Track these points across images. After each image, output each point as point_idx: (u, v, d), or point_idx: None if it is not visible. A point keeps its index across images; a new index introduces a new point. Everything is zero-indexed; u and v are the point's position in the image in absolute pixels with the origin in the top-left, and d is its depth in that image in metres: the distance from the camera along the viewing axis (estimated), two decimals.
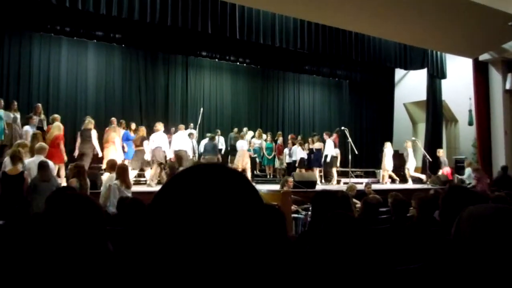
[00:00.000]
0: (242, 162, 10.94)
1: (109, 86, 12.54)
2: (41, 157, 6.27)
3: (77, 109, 11.71)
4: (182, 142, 9.85)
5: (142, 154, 9.46)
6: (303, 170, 11.42)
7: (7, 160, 6.18)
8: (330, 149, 11.74)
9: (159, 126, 9.72)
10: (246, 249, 0.61)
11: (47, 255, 1.26)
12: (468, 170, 11.52)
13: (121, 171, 6.01)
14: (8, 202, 5.41)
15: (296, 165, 11.76)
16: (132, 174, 9.24)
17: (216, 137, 11.47)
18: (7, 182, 5.63)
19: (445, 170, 12.35)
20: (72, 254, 1.25)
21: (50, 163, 6.12)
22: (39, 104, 9.60)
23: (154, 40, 11.16)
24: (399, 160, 14.63)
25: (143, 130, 9.87)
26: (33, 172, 5.82)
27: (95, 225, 1.29)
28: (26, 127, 8.58)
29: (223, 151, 12.04)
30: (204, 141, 11.46)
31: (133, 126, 10.66)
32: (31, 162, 6.19)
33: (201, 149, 11.22)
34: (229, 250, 0.60)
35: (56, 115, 8.94)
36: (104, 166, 8.10)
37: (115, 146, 9.10)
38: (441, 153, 12.74)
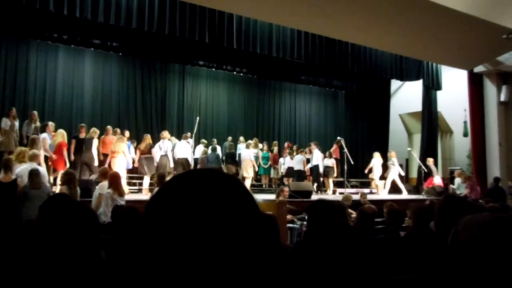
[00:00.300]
0: (247, 171, 11.11)
1: (106, 94, 12.53)
2: (34, 164, 6.23)
3: (72, 117, 11.69)
4: (184, 150, 10.19)
5: (152, 161, 9.75)
6: (289, 180, 11.48)
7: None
8: (318, 159, 11.73)
9: (166, 134, 10.11)
10: (241, 256, 0.60)
11: (40, 262, 1.25)
12: (457, 180, 11.57)
13: (113, 179, 5.93)
14: (0, 209, 5.36)
15: (283, 174, 11.87)
16: (146, 182, 9.35)
17: (218, 147, 11.53)
18: (0, 189, 5.59)
19: (435, 180, 12.39)
20: (65, 260, 1.24)
21: (42, 170, 6.09)
22: (35, 112, 9.59)
23: (151, 49, 11.18)
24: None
25: (149, 138, 10.10)
26: (25, 179, 5.78)
27: (89, 231, 1.27)
28: (43, 135, 8.61)
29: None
30: (199, 148, 11.47)
31: (127, 134, 10.62)
32: (23, 169, 6.14)
33: (196, 155, 11.20)
34: (224, 256, 0.59)
35: (50, 123, 8.93)
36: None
37: (124, 156, 9.16)
38: (431, 162, 12.79)
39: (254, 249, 0.62)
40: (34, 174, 5.56)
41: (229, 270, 0.59)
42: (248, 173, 11.13)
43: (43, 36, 10.01)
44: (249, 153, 11.38)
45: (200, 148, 11.64)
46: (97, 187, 6.06)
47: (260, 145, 12.89)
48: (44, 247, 1.27)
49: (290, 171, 11.82)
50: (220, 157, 11.42)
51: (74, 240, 1.24)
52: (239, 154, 11.96)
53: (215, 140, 12.45)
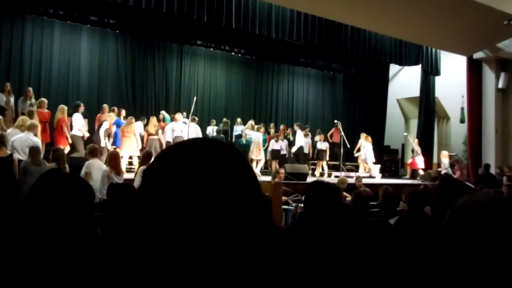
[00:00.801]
0: (258, 154, 11.31)
1: (102, 72, 12.41)
2: (30, 134, 6.35)
3: (68, 94, 11.58)
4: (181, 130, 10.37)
5: (157, 143, 9.95)
6: (274, 163, 11.51)
7: None
8: (300, 141, 11.75)
9: (178, 116, 10.48)
10: (237, 231, 0.59)
11: (34, 237, 1.24)
12: (444, 160, 11.90)
13: (112, 158, 5.98)
14: None
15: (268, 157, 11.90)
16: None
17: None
18: None
19: (417, 160, 12.50)
20: (59, 235, 1.23)
21: (38, 142, 6.27)
22: (30, 88, 9.46)
23: (148, 27, 11.05)
24: (390, 154, 14.75)
25: (155, 120, 10.34)
26: (18, 148, 5.80)
27: (84, 205, 1.26)
28: (76, 115, 8.79)
29: None
30: (209, 129, 11.55)
31: (123, 113, 10.57)
32: (18, 138, 6.22)
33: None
34: (220, 231, 0.58)
35: (43, 99, 8.83)
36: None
37: (136, 137, 9.46)
38: (416, 142, 12.98)
39: (252, 225, 0.61)
40: (35, 151, 5.63)
41: (225, 246, 0.58)
42: (256, 155, 11.32)
43: (39, 11, 9.85)
44: (258, 136, 11.53)
45: (210, 129, 11.84)
46: (85, 165, 6.01)
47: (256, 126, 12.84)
48: (38, 221, 1.26)
49: (276, 154, 11.76)
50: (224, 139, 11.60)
51: (69, 214, 1.23)
52: (237, 136, 12.02)
53: (214, 121, 12.41)
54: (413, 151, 12.93)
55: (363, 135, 13.08)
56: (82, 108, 9.18)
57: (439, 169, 12.18)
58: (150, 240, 0.60)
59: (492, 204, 0.90)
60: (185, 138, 9.83)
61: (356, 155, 13.19)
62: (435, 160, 14.04)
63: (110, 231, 2.45)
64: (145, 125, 10.68)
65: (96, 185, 5.60)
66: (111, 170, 5.80)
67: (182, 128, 10.31)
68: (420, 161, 12.58)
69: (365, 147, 12.69)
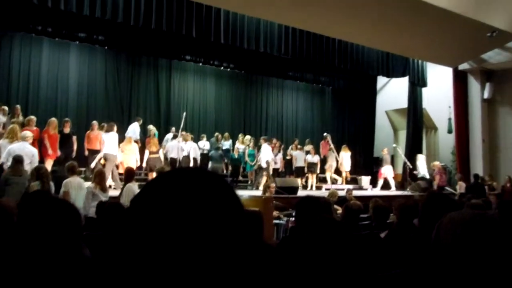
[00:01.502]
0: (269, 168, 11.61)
1: (91, 89, 12.36)
2: (26, 144, 6.70)
3: (57, 111, 11.48)
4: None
5: (157, 161, 10.09)
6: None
7: None
8: (267, 155, 11.61)
9: (187, 136, 10.95)
10: (224, 252, 0.61)
11: (21, 262, 1.23)
12: (421, 161, 12.45)
13: (97, 175, 6.02)
14: None
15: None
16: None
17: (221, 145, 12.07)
18: None
19: (383, 169, 12.78)
20: (46, 259, 1.22)
21: (34, 152, 6.61)
22: (18, 106, 9.40)
23: (138, 43, 11.08)
24: (380, 166, 14.85)
25: (156, 139, 10.59)
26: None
27: (70, 229, 1.25)
28: (111, 134, 9.22)
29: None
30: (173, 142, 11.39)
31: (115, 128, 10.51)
32: (15, 147, 6.45)
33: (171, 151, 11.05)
34: (206, 252, 0.59)
35: (31, 117, 8.76)
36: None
37: (135, 155, 9.72)
38: (385, 151, 13.27)
39: (236, 246, 0.62)
40: (17, 161, 5.69)
41: (212, 267, 0.60)
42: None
43: (27, 28, 9.84)
44: (268, 150, 11.80)
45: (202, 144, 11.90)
46: (63, 184, 5.94)
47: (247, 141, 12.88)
48: (24, 246, 1.24)
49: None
50: (223, 156, 11.94)
51: (55, 238, 1.22)
52: (224, 150, 12.07)
53: (205, 136, 12.39)
54: (383, 161, 13.23)
55: (344, 146, 13.43)
56: (114, 128, 9.51)
57: (414, 172, 12.40)
58: (138, 264, 0.61)
59: (474, 222, 0.92)
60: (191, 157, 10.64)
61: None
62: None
63: (100, 251, 2.43)
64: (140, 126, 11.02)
65: (76, 203, 5.54)
66: (96, 186, 5.82)
67: (191, 147, 10.78)
68: (388, 171, 12.91)
69: (344, 158, 12.98)
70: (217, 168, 11.36)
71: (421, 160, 12.70)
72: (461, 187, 11.44)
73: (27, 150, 6.51)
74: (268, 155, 11.60)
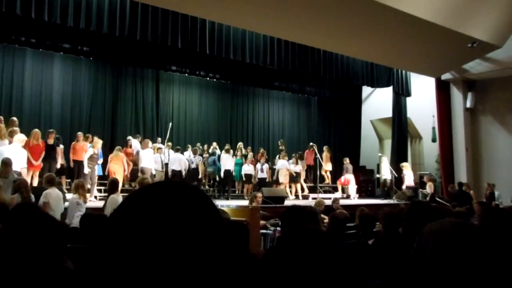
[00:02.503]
0: (285, 179, 11.97)
1: (75, 100, 12.25)
2: (18, 145, 7.40)
3: (41, 123, 11.34)
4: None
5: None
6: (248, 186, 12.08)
7: None
8: (227, 164, 11.85)
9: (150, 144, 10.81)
10: (205, 265, 0.61)
11: (3, 274, 1.21)
12: (384, 163, 12.93)
13: (80, 186, 6.16)
14: None
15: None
16: None
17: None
18: None
19: (344, 178, 13.15)
20: (28, 272, 1.20)
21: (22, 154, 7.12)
22: (1, 117, 9.25)
23: (123, 54, 11.02)
24: (366, 175, 14.98)
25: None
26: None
27: (52, 242, 1.24)
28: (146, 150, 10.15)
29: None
30: (174, 154, 11.40)
31: (100, 142, 10.39)
32: (8, 148, 7.07)
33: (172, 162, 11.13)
34: (186, 265, 0.60)
35: (15, 128, 8.63)
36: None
37: (123, 164, 9.98)
38: (347, 160, 13.56)
39: (217, 257, 0.63)
40: (5, 164, 5.98)
41: (192, 277, 0.60)
42: (284, 180, 11.99)
43: (10, 39, 9.70)
44: (284, 163, 12.19)
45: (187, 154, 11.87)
46: (42, 194, 5.92)
47: (231, 151, 12.88)
48: (7, 259, 1.22)
49: (248, 178, 12.19)
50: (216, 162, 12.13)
51: (37, 252, 1.20)
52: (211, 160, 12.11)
53: (190, 146, 12.36)
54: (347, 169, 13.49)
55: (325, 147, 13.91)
56: (150, 144, 10.28)
57: (377, 175, 13.23)
58: (119, 276, 0.61)
59: (454, 231, 0.93)
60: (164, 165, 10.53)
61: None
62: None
63: (84, 263, 2.39)
64: (140, 142, 11.19)
65: (56, 214, 5.63)
66: (79, 197, 6.00)
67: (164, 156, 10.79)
68: (345, 179, 13.26)
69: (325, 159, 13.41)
70: (212, 174, 11.81)
71: (406, 167, 12.88)
72: (430, 187, 11.88)
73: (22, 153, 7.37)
74: (228, 165, 11.76)
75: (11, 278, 1.20)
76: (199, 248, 0.60)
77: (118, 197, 6.08)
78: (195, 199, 0.64)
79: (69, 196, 6.61)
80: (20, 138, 7.71)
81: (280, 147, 13.55)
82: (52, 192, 5.91)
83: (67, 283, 1.37)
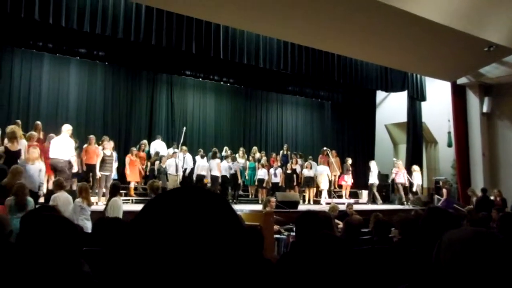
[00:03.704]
0: (323, 184, 12.38)
1: (91, 104, 12.41)
2: (67, 136, 8.17)
3: (57, 126, 11.46)
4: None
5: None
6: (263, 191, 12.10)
7: None
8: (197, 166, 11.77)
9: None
10: (224, 268, 0.61)
11: (21, 278, 1.22)
12: (373, 167, 13.12)
13: (83, 190, 6.19)
14: None
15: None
16: None
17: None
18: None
19: (345, 178, 13.28)
20: (46, 276, 1.21)
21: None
22: (19, 121, 9.41)
23: (138, 59, 11.15)
24: (380, 180, 14.85)
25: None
26: None
27: (69, 246, 1.25)
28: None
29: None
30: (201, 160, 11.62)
31: (112, 144, 10.46)
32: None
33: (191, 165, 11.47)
34: (206, 270, 0.59)
35: (33, 133, 8.76)
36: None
37: (140, 167, 10.57)
38: (348, 161, 13.70)
39: (237, 262, 0.63)
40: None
41: (212, 283, 0.60)
42: (323, 186, 12.43)
43: (28, 44, 9.91)
44: (325, 168, 12.67)
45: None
46: (51, 198, 6.06)
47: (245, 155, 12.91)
48: (25, 263, 1.24)
49: (261, 182, 12.20)
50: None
51: (55, 255, 1.21)
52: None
53: (201, 150, 12.39)
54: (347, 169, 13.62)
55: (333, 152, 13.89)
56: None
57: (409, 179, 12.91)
58: (138, 280, 0.61)
59: (475, 240, 0.91)
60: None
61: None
62: (425, 185, 14.15)
63: (99, 267, 2.41)
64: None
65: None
66: (83, 200, 6.01)
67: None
68: (347, 179, 13.38)
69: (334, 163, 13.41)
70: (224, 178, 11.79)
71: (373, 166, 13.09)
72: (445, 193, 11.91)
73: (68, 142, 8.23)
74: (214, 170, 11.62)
75: (30, 281, 1.21)
76: (220, 254, 0.60)
77: (119, 200, 6.20)
78: (217, 205, 0.64)
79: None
80: (67, 128, 8.31)
81: (287, 152, 13.67)
82: (61, 196, 6.01)
83: (85, 286, 1.38)
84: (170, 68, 12.06)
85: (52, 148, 8.08)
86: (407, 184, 12.85)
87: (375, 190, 13.02)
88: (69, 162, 8.16)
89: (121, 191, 10.06)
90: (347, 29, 9.63)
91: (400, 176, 12.87)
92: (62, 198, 5.98)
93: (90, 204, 6.19)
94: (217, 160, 11.61)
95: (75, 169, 8.53)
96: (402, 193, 12.61)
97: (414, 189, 12.85)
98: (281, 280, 1.94)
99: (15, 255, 1.33)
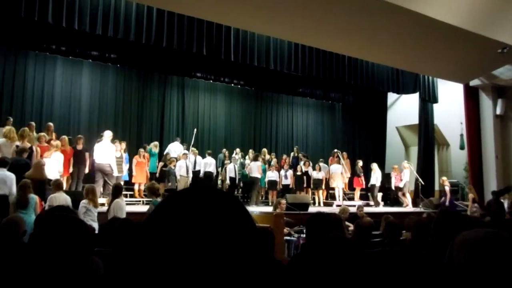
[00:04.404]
0: (337, 182, 12.57)
1: (103, 106, 12.53)
2: (108, 141, 8.82)
3: (70, 128, 11.66)
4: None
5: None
6: (273, 193, 12.03)
7: None
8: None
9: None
10: (238, 269, 0.61)
11: (35, 278, 1.24)
12: (375, 169, 12.97)
13: (90, 191, 6.25)
14: None
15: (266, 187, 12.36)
16: None
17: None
18: None
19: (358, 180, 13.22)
20: (59, 276, 1.23)
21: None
22: (33, 123, 9.53)
23: (149, 61, 11.24)
24: (391, 182, 14.72)
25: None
26: None
27: (83, 246, 1.26)
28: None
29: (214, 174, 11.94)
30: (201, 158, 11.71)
31: (124, 145, 10.57)
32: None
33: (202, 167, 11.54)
34: (218, 271, 0.60)
35: (42, 134, 8.85)
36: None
37: (146, 168, 10.83)
38: (359, 163, 13.63)
39: (249, 263, 0.63)
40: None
41: (224, 284, 0.60)
42: (337, 184, 12.55)
43: (41, 47, 10.05)
44: (337, 167, 12.74)
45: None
46: (47, 199, 6.12)
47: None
48: (38, 263, 1.25)
49: (272, 184, 12.09)
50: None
51: (68, 255, 1.23)
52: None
53: (210, 151, 12.43)
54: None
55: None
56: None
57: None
58: (152, 280, 0.61)
59: (487, 241, 0.91)
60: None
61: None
62: (436, 187, 14.00)
63: (112, 267, 2.43)
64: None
65: None
66: (89, 202, 6.07)
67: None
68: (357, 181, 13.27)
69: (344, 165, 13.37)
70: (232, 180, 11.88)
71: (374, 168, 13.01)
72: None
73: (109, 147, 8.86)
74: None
75: (41, 280, 1.23)
76: (232, 255, 0.60)
77: (122, 202, 6.23)
78: (230, 205, 0.64)
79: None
80: (109, 134, 8.90)
81: (297, 154, 13.65)
82: (58, 197, 6.07)
83: (97, 286, 1.39)
84: (181, 70, 12.12)
85: (96, 154, 8.69)
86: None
87: (376, 192, 12.86)
88: (110, 166, 8.70)
89: (127, 192, 10.26)
90: (359, 30, 9.58)
91: (398, 180, 12.90)
92: (59, 199, 6.05)
93: (96, 205, 6.21)
94: (258, 163, 11.89)
95: (115, 173, 8.94)
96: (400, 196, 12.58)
97: (401, 185, 12.66)
98: (292, 282, 1.94)
99: (28, 255, 1.35)
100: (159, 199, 6.27)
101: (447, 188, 11.76)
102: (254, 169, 11.56)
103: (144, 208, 8.32)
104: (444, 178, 12.33)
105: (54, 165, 7.81)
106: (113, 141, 10.27)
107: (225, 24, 10.05)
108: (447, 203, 11.56)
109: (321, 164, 13.00)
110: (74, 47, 10.19)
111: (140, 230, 0.66)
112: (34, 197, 5.80)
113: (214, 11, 9.02)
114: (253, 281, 0.63)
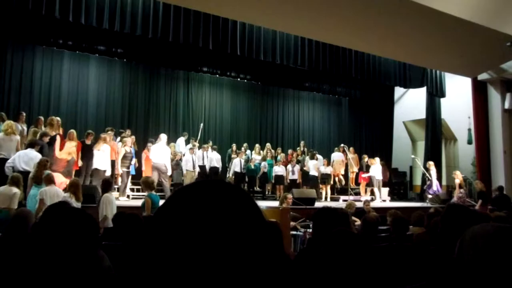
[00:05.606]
0: (339, 169, 12.85)
1: (110, 100, 12.59)
2: (164, 143, 9.50)
3: (77, 123, 11.73)
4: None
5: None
6: (280, 187, 12.15)
7: None
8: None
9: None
10: (245, 263, 0.61)
11: (40, 270, 1.25)
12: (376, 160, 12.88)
13: (73, 185, 6.27)
14: None
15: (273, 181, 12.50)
16: None
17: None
18: None
19: (367, 174, 12.97)
20: (65, 269, 1.24)
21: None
22: (41, 117, 9.59)
23: (155, 55, 11.24)
24: (398, 177, 14.66)
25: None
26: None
27: (89, 239, 1.27)
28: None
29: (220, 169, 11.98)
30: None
31: (133, 139, 10.61)
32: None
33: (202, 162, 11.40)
34: (229, 264, 0.59)
35: (72, 130, 8.92)
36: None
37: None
38: (365, 158, 13.52)
39: (259, 257, 0.62)
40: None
41: (234, 278, 0.60)
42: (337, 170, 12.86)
43: (49, 42, 10.08)
44: (339, 155, 13.10)
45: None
46: (38, 192, 6.13)
47: (262, 152, 12.91)
48: (44, 256, 1.26)
49: (278, 179, 12.13)
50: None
51: (74, 248, 1.23)
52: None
53: (216, 146, 12.46)
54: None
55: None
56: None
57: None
58: (160, 274, 0.61)
59: (498, 235, 0.90)
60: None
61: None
62: (444, 182, 13.92)
63: (119, 261, 2.45)
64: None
65: None
66: (71, 196, 6.04)
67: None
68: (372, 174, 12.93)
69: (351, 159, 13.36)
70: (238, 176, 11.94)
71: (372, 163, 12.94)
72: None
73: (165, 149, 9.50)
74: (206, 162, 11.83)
75: (48, 273, 1.24)
76: (242, 249, 0.60)
77: (111, 196, 6.26)
78: (239, 199, 0.64)
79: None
80: (165, 137, 9.67)
81: (304, 149, 13.65)
82: (49, 190, 6.10)
83: (104, 279, 1.40)
84: (187, 64, 12.12)
85: (153, 154, 9.47)
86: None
87: (375, 184, 12.72)
88: (165, 165, 9.40)
89: (135, 187, 10.30)
90: (365, 24, 9.51)
91: (385, 176, 13.13)
92: (49, 193, 6.09)
93: (79, 200, 6.16)
94: (314, 161, 12.23)
95: (169, 172, 9.66)
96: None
97: (374, 183, 12.57)
98: (300, 276, 1.94)
99: (35, 246, 1.36)
100: (153, 193, 6.29)
101: (457, 181, 11.66)
102: (311, 167, 12.15)
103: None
104: (458, 172, 12.16)
105: (102, 156, 8.67)
106: (122, 136, 10.35)
107: (232, 18, 10.02)
108: (434, 188, 11.86)
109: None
110: (81, 41, 10.22)
111: (149, 224, 0.66)
112: (49, 172, 6.25)
113: (220, 5, 9.00)
114: (265, 275, 0.63)
